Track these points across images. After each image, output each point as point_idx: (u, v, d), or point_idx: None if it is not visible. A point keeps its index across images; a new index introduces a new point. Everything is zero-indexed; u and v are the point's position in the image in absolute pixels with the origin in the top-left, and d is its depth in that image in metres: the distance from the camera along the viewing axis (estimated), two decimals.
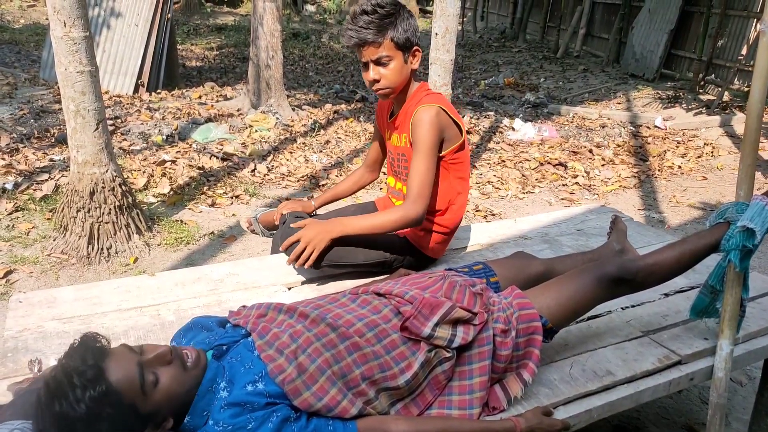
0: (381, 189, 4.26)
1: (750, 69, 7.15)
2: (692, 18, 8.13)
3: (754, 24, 7.09)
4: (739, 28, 7.39)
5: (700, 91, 7.64)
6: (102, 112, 2.93)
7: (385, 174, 2.43)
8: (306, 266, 1.76)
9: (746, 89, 7.09)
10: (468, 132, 5.85)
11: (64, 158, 4.23)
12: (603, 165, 5.02)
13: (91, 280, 2.80)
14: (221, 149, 4.80)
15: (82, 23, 2.73)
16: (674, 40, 8.31)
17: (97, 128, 2.89)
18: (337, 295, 1.47)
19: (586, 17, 10.44)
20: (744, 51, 7.24)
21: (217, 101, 6.44)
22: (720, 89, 7.08)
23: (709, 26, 7.65)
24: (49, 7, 2.69)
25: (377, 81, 1.80)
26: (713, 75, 7.71)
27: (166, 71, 6.83)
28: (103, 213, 2.97)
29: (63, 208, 3.02)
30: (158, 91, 6.61)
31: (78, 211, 2.95)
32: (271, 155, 4.82)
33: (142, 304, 1.72)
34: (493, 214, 4.02)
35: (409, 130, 1.83)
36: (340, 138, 5.50)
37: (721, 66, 7.61)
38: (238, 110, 6.06)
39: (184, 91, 6.87)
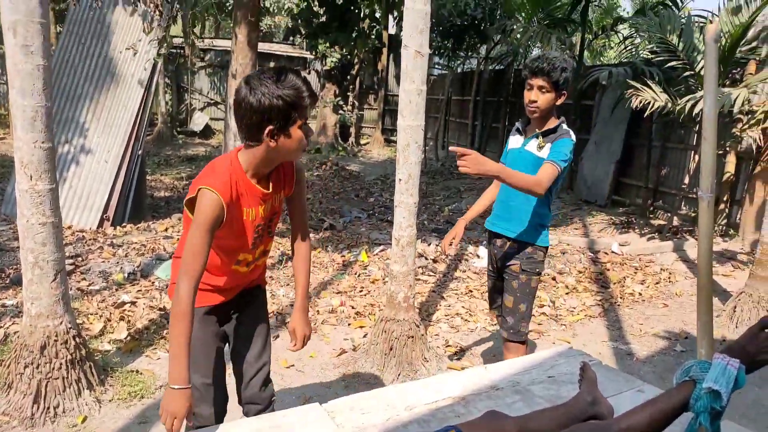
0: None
1: (693, 196, 7.63)
2: (635, 150, 8.78)
3: (691, 156, 7.68)
4: (679, 158, 7.99)
5: (651, 216, 8.05)
6: (62, 262, 2.88)
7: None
8: None
9: (693, 214, 7.51)
10: (434, 261, 5.95)
11: (17, 303, 4.07)
12: (567, 293, 5.10)
13: None
14: None
15: (48, 176, 2.76)
16: (622, 169, 8.89)
17: (55, 279, 2.82)
18: None
19: None
20: (686, 180, 7.77)
21: None
22: (669, 215, 7.47)
23: (652, 157, 8.25)
24: (17, 161, 2.73)
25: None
26: (661, 201, 8.18)
27: (134, 204, 6.85)
28: (53, 368, 2.80)
29: (9, 364, 2.85)
30: (123, 224, 6.59)
31: (26, 367, 2.78)
32: None
33: None
34: (463, 350, 3.97)
35: (294, 179, 1.99)
36: None
37: (667, 193, 8.11)
38: None
39: (151, 223, 6.86)
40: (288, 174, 1.99)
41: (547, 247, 2.82)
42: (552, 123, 2.68)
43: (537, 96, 2.60)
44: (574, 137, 2.63)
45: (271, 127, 1.71)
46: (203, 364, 1.97)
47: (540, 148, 2.65)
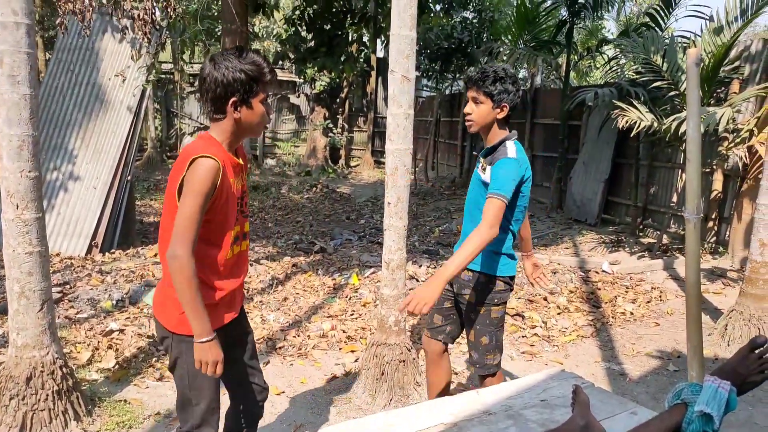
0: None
1: (682, 214, 7.70)
2: (623, 168, 8.86)
3: (679, 174, 7.77)
4: (667, 177, 8.07)
5: (640, 234, 8.09)
6: (48, 292, 2.84)
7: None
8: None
9: (682, 233, 7.56)
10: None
11: (3, 332, 4.00)
12: (559, 313, 5.09)
13: None
14: None
15: (35, 205, 2.74)
16: (610, 188, 8.96)
17: (41, 309, 2.78)
18: None
19: None
20: (675, 198, 7.84)
21: None
22: (659, 233, 7.52)
23: (640, 176, 8.33)
24: (3, 190, 2.71)
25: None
26: (650, 219, 8.23)
27: (122, 230, 6.81)
28: (40, 400, 2.75)
29: None
30: (112, 251, 6.53)
31: (11, 399, 2.73)
32: None
33: None
34: (456, 373, 3.93)
35: (246, 161, 2.11)
36: (298, 294, 5.46)
37: (656, 211, 8.17)
38: None
39: (140, 249, 6.81)
40: (243, 155, 2.10)
41: (509, 276, 2.60)
42: (494, 138, 2.50)
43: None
44: (514, 153, 2.41)
45: (234, 99, 1.84)
46: (208, 390, 2.01)
47: (483, 169, 2.51)
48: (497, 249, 2.56)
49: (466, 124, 2.52)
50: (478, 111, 2.46)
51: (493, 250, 2.55)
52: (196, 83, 19.80)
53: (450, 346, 3.86)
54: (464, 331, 2.76)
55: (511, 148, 2.43)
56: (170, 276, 1.81)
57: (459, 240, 2.68)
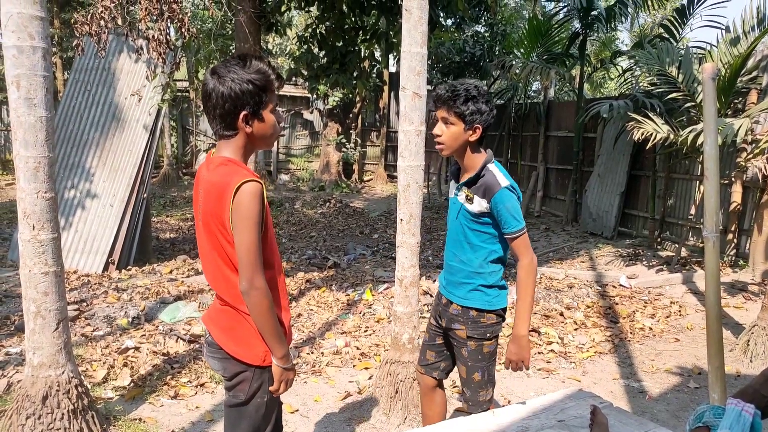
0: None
1: (700, 226, 7.57)
2: (640, 181, 8.77)
3: (697, 186, 7.66)
4: (685, 189, 7.96)
5: (658, 247, 7.97)
6: (64, 311, 2.86)
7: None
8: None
9: (701, 245, 7.43)
10: None
11: (21, 350, 4.04)
12: (576, 329, 5.02)
13: None
14: (188, 330, 4.67)
15: (51, 225, 2.76)
16: (627, 201, 8.86)
17: (57, 328, 2.79)
18: None
19: (542, 181, 11.18)
20: (693, 210, 7.73)
21: (188, 276, 6.42)
22: (677, 246, 7.40)
23: (657, 188, 8.23)
24: (20, 211, 2.74)
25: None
26: (668, 232, 8.11)
27: (139, 246, 6.87)
28: (56, 419, 2.76)
29: (12, 415, 2.80)
30: (128, 267, 6.59)
31: (28, 418, 2.74)
32: None
33: None
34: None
35: None
36: (312, 310, 5.45)
37: (674, 224, 8.05)
38: (208, 285, 6.02)
39: (156, 266, 6.86)
40: None
41: (501, 309, 2.42)
42: (473, 163, 2.30)
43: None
44: (504, 179, 2.24)
45: (245, 112, 1.74)
46: (274, 414, 2.00)
47: (469, 200, 2.29)
48: (487, 282, 2.38)
49: (436, 147, 2.30)
50: (448, 133, 2.25)
51: (482, 284, 2.38)
52: None
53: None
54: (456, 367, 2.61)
55: (498, 174, 2.27)
56: (241, 310, 1.82)
57: (444, 265, 2.55)
